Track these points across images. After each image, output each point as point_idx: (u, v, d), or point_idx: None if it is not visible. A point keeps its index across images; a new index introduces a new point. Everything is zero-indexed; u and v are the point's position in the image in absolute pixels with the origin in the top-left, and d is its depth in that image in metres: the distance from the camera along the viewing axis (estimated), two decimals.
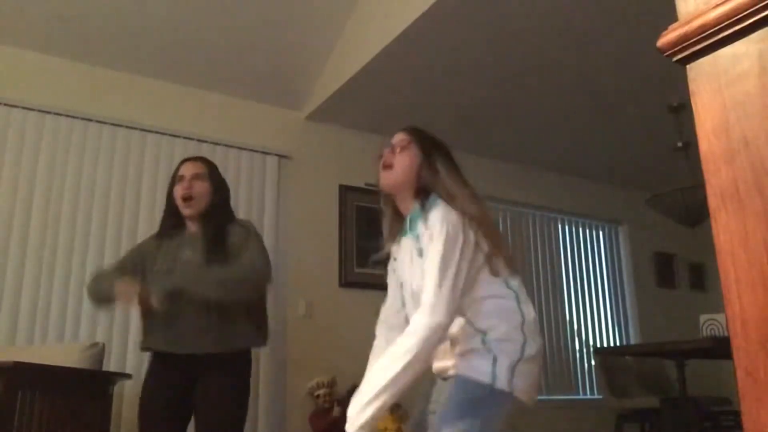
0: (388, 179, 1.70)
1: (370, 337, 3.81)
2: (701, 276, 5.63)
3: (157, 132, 3.66)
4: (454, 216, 1.53)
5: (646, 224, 5.28)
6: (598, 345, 5.07)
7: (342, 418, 3.52)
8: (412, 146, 1.71)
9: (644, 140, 4.54)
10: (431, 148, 1.72)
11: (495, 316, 1.54)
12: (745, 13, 0.60)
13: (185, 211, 2.36)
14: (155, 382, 2.35)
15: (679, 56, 0.66)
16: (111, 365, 3.18)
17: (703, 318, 3.62)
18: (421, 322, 1.45)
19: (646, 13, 2.82)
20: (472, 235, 1.53)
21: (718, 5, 0.62)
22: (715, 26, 0.62)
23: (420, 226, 1.59)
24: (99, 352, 2.75)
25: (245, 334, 2.31)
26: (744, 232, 0.59)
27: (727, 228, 0.61)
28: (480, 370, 1.49)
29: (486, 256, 1.56)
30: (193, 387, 2.29)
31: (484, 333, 1.52)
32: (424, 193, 1.66)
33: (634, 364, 4.57)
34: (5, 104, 3.32)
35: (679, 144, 3.97)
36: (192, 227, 2.40)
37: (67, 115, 3.45)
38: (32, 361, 2.35)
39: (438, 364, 1.61)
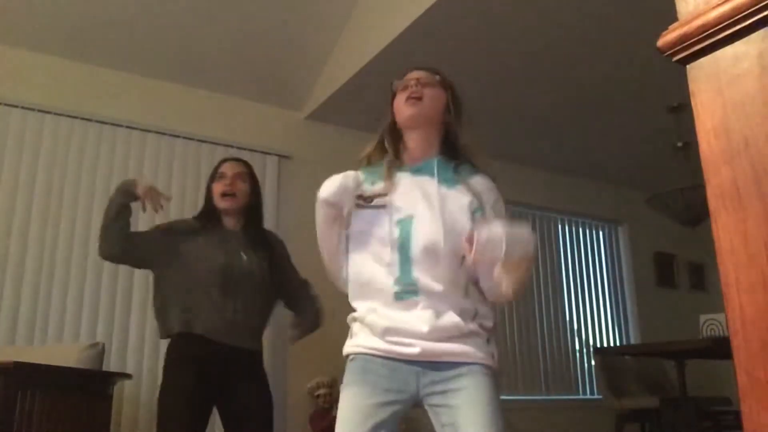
0: (416, 109, 1.57)
1: None
2: (701, 276, 5.63)
3: (157, 132, 3.67)
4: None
5: (646, 224, 5.28)
6: (598, 345, 5.07)
7: None
8: (439, 86, 1.63)
9: (644, 140, 4.54)
10: (454, 93, 1.67)
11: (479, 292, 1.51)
12: (745, 13, 0.60)
13: (222, 204, 2.40)
14: (187, 372, 2.26)
15: (679, 56, 0.66)
16: (111, 365, 3.18)
17: (703, 318, 3.62)
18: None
19: (646, 13, 2.81)
20: None
21: (718, 5, 0.62)
22: (715, 26, 0.62)
23: (474, 177, 1.56)
24: (99, 352, 2.75)
25: (261, 334, 2.46)
26: (744, 232, 0.59)
27: (727, 228, 0.61)
28: (493, 355, 1.47)
29: None
30: (220, 383, 2.25)
31: (475, 312, 1.48)
32: (445, 135, 1.61)
33: (634, 364, 4.57)
34: (5, 104, 3.32)
35: (679, 144, 3.98)
36: (229, 223, 2.44)
37: (67, 115, 3.45)
38: (32, 361, 2.35)
39: (439, 346, 1.43)
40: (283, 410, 3.63)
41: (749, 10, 0.59)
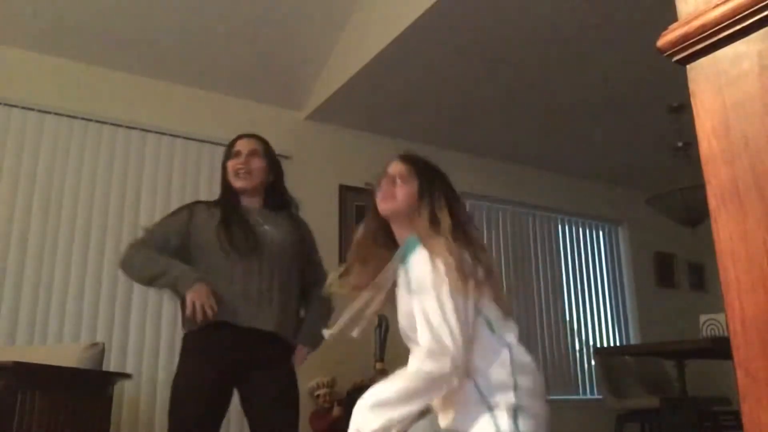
0: (388, 206, 1.68)
1: (370, 337, 3.80)
2: (701, 276, 5.63)
3: (157, 132, 3.67)
4: (442, 254, 1.50)
5: (646, 224, 5.28)
6: (598, 345, 5.07)
7: (342, 418, 3.52)
8: (413, 177, 1.69)
9: (644, 140, 4.54)
10: (432, 179, 1.71)
11: (481, 358, 1.47)
12: (745, 13, 0.60)
13: (238, 183, 2.29)
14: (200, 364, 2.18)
15: (679, 56, 0.66)
16: (111, 365, 3.18)
17: (703, 318, 3.62)
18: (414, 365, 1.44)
19: (646, 13, 2.81)
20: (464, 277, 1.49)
21: (718, 5, 0.62)
22: (715, 26, 0.62)
23: (411, 259, 1.57)
24: (99, 352, 2.74)
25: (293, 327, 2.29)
26: (744, 232, 0.59)
27: (727, 228, 0.61)
28: (482, 425, 1.42)
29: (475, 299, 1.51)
30: (239, 370, 2.17)
31: (473, 379, 1.45)
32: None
33: (634, 364, 4.57)
34: (5, 104, 3.32)
35: (679, 144, 3.98)
36: (248, 203, 2.32)
37: (67, 115, 3.45)
38: (32, 361, 2.34)
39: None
40: None
41: (749, 10, 0.59)
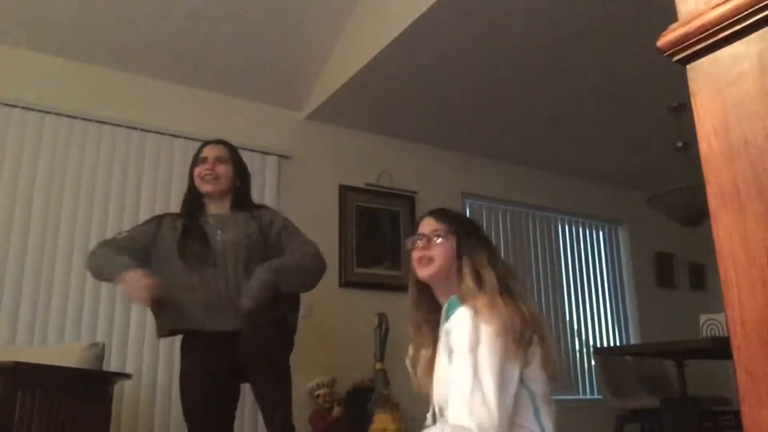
0: (427, 271, 1.59)
1: (370, 337, 3.81)
2: (701, 276, 5.63)
3: (157, 132, 3.66)
4: (486, 314, 1.40)
5: (646, 224, 5.28)
6: (598, 345, 5.07)
7: (342, 419, 3.52)
8: (450, 235, 1.60)
9: (644, 140, 4.54)
10: (469, 233, 1.62)
11: None
12: (745, 13, 0.60)
13: (205, 187, 2.37)
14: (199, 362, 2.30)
15: (679, 56, 0.66)
16: (111, 365, 3.18)
17: (703, 318, 3.62)
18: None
19: (646, 13, 2.81)
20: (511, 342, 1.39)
21: (718, 5, 0.62)
22: (715, 26, 0.62)
23: (452, 319, 1.48)
24: (99, 352, 2.74)
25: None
26: (744, 232, 0.59)
27: (727, 228, 0.61)
28: None
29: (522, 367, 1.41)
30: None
31: None
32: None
33: (634, 364, 4.57)
34: (5, 104, 3.32)
35: (679, 144, 3.97)
36: (213, 208, 2.40)
37: (67, 115, 3.45)
38: (32, 361, 2.34)
39: None
40: None
41: (749, 10, 0.59)
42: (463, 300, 1.48)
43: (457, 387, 1.35)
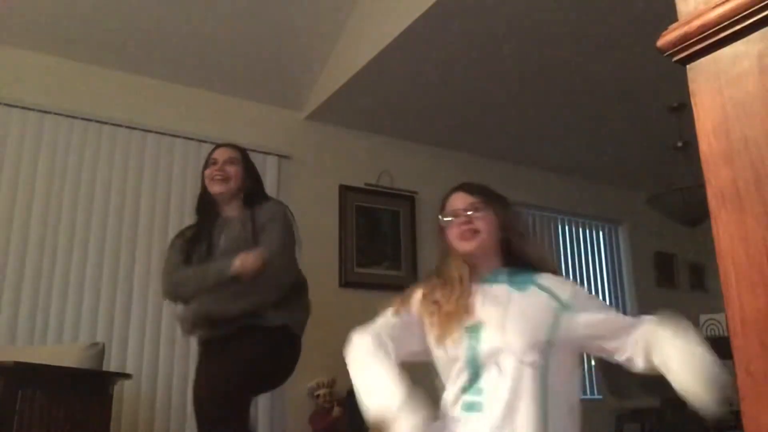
0: (473, 243, 1.59)
1: None
2: (701, 276, 5.63)
3: (157, 132, 3.66)
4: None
5: (646, 224, 5.28)
6: None
7: (342, 419, 3.52)
8: (488, 207, 1.63)
9: (644, 140, 4.54)
10: (502, 201, 1.68)
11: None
12: (745, 13, 0.60)
13: (215, 188, 2.43)
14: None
15: (679, 56, 0.66)
16: (111, 365, 3.18)
17: (703, 318, 3.62)
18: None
19: (645, 14, 2.82)
20: None
21: (718, 5, 0.62)
22: (715, 26, 0.62)
23: (545, 280, 1.58)
24: (99, 352, 2.74)
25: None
26: (744, 232, 0.59)
27: (727, 228, 0.61)
28: None
29: None
30: None
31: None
32: (504, 252, 1.64)
33: None
34: (5, 104, 3.32)
35: (679, 144, 3.97)
36: (226, 211, 2.46)
37: (67, 115, 3.45)
38: (32, 361, 2.34)
39: None
40: (283, 410, 3.63)
41: (749, 10, 0.59)
42: (542, 268, 1.60)
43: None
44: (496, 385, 1.42)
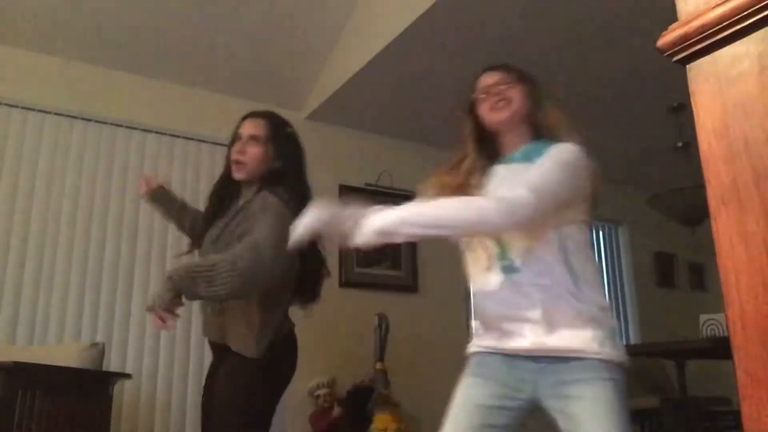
0: (505, 113, 1.61)
1: (370, 337, 3.80)
2: (701, 276, 5.63)
3: (157, 132, 3.67)
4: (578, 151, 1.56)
5: (646, 224, 5.27)
6: None
7: (342, 419, 3.52)
8: (516, 81, 1.65)
9: (644, 140, 4.54)
10: (530, 77, 1.70)
11: (595, 276, 1.54)
12: (745, 13, 0.60)
13: (235, 175, 2.03)
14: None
15: (679, 56, 0.66)
16: (111, 365, 3.18)
17: (703, 318, 3.62)
18: (518, 191, 1.39)
19: (646, 13, 2.81)
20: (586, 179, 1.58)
21: (718, 5, 0.62)
22: (715, 26, 0.62)
23: (555, 148, 1.58)
24: (99, 352, 2.74)
25: (238, 335, 1.97)
26: (744, 232, 0.59)
27: (727, 228, 0.61)
28: (620, 349, 1.44)
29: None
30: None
31: (594, 300, 1.48)
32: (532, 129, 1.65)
33: (634, 364, 4.55)
34: (5, 104, 3.32)
35: (679, 144, 3.97)
36: (247, 195, 2.04)
37: (67, 115, 3.45)
38: (32, 361, 2.35)
39: (551, 341, 1.43)
40: (283, 410, 3.63)
41: (749, 10, 0.59)
42: (561, 138, 1.60)
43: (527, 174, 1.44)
44: (524, 250, 1.49)
